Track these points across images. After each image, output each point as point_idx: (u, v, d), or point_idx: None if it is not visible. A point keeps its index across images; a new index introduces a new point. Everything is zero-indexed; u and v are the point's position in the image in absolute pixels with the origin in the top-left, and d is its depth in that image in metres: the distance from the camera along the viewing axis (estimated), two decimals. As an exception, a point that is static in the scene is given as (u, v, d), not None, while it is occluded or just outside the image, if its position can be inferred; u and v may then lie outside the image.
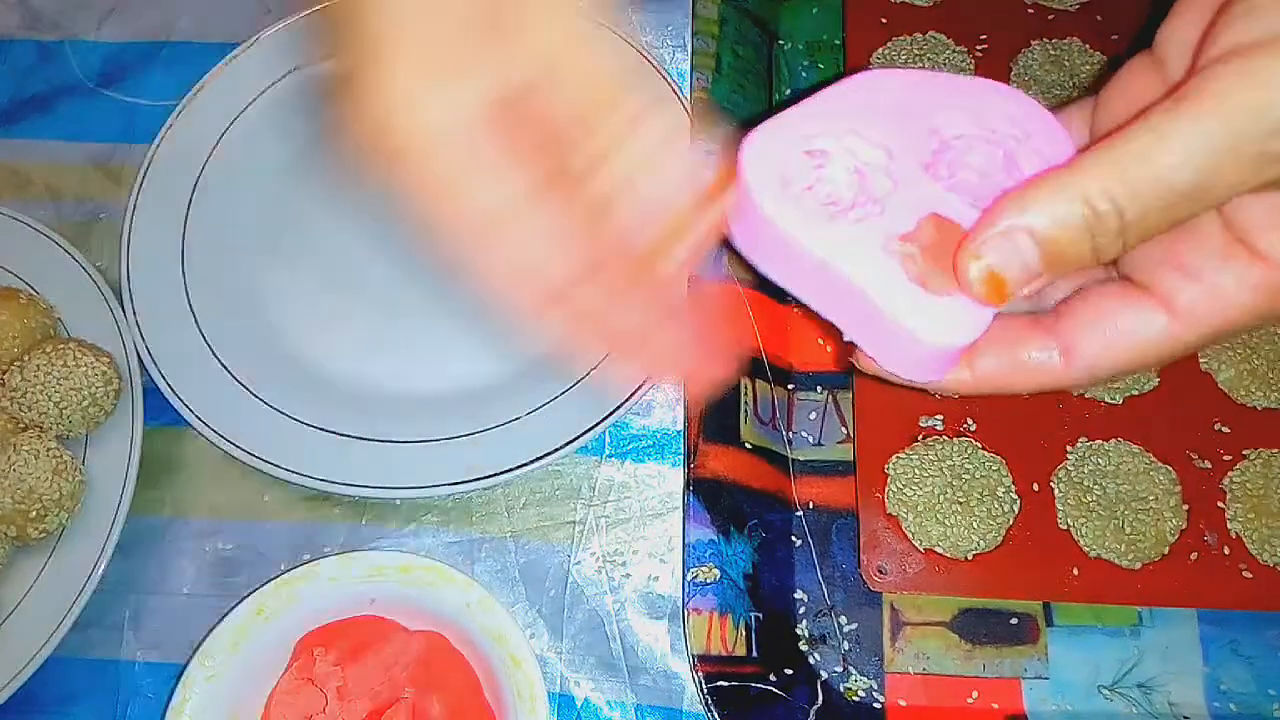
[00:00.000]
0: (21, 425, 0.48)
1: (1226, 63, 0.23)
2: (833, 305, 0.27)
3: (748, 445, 0.45)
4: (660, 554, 0.47)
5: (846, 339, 0.28)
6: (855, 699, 0.43)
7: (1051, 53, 0.53)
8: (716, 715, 0.40)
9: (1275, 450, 0.45)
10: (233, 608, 0.41)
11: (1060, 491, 0.44)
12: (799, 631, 0.44)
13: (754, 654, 0.42)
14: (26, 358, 0.47)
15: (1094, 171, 0.24)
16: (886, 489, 0.45)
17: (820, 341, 0.49)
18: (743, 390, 0.46)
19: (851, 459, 0.46)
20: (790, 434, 0.47)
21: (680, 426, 0.49)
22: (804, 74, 0.56)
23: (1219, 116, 0.22)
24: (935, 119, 0.27)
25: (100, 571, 0.45)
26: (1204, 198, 0.23)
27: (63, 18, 0.61)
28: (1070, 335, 0.28)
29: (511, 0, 0.27)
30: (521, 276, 0.27)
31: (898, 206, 0.26)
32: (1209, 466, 0.45)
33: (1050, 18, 0.54)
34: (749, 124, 0.28)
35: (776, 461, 0.46)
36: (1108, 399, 0.46)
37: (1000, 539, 0.44)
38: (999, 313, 0.26)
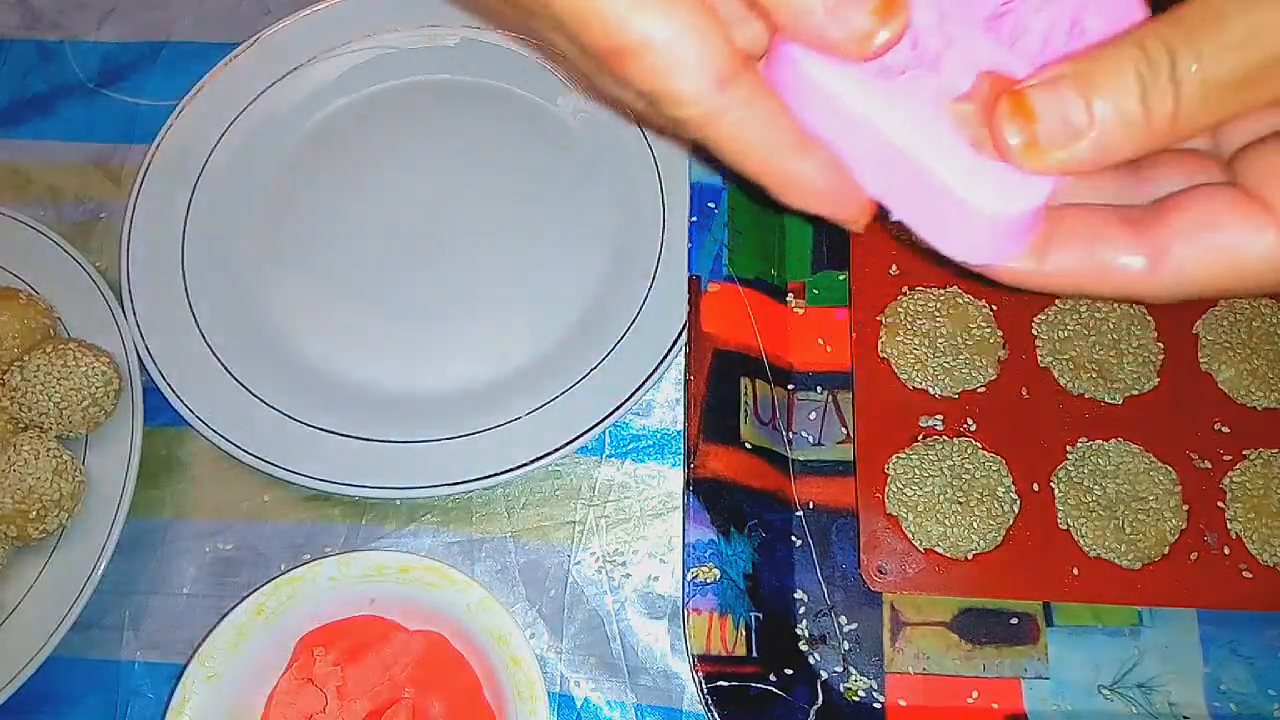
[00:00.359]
0: (21, 425, 0.48)
1: None
2: (880, 175, 0.25)
3: (748, 445, 0.45)
4: (660, 554, 0.47)
5: (894, 218, 0.26)
6: (855, 699, 0.43)
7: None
8: (716, 715, 0.40)
9: (1275, 450, 0.45)
10: (233, 608, 0.41)
11: (1060, 491, 0.44)
12: (799, 631, 0.44)
13: (754, 654, 0.42)
14: (26, 358, 0.47)
15: (1153, 26, 0.22)
16: (886, 489, 0.45)
17: (820, 341, 0.49)
18: (743, 390, 0.46)
19: (851, 459, 0.46)
20: (790, 434, 0.47)
21: (680, 426, 0.49)
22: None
23: None
24: None
25: (100, 571, 0.45)
26: (1262, 52, 0.21)
27: (63, 18, 0.61)
28: (1163, 238, 0.24)
29: None
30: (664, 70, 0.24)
31: (954, 67, 0.24)
32: (1209, 466, 0.45)
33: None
34: None
35: (776, 461, 0.46)
36: (1107, 399, 0.46)
37: (1000, 539, 0.44)
38: (1086, 203, 0.24)
